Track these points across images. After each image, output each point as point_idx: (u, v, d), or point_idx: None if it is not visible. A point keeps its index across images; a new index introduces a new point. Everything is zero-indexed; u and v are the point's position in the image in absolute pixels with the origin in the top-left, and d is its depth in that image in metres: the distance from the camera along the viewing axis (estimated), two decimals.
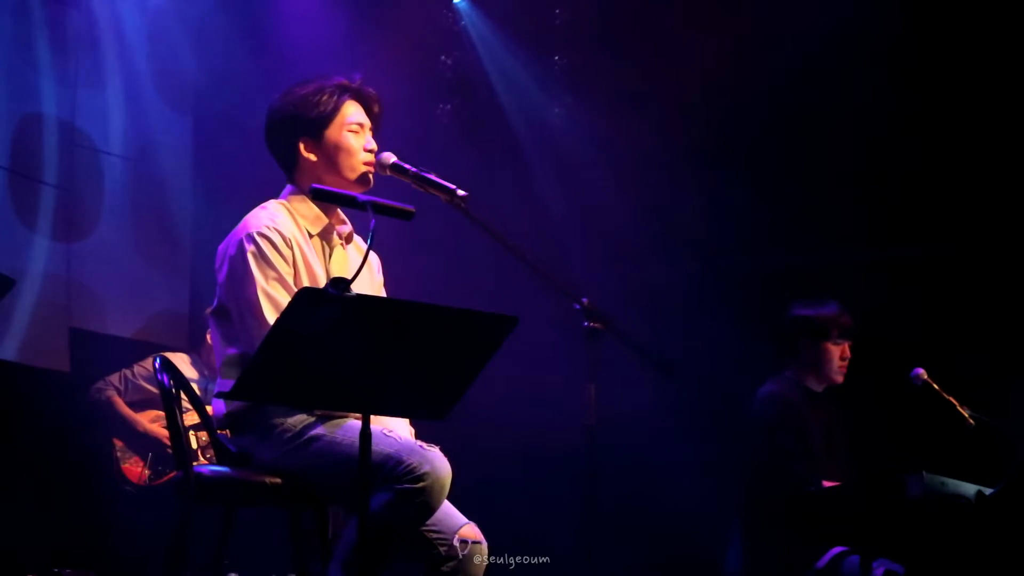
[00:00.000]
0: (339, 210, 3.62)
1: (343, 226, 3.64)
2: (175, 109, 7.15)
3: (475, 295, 5.92)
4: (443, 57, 7.11)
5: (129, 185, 6.88)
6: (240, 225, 3.49)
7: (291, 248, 3.45)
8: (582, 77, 7.00)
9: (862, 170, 6.44)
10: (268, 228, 3.43)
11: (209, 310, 3.55)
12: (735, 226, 6.74)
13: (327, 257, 3.56)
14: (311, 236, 3.54)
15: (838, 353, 5.12)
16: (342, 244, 3.62)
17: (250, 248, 3.40)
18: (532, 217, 6.71)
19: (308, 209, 3.56)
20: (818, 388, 5.17)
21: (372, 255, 3.74)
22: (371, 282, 3.67)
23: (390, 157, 3.57)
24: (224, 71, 6.98)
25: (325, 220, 3.58)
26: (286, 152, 3.62)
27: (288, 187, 3.63)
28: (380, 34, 6.92)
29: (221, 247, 3.51)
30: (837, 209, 6.47)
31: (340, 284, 2.72)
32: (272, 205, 3.56)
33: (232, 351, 3.43)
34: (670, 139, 6.69)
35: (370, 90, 3.67)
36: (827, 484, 4.73)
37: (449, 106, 7.07)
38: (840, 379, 5.16)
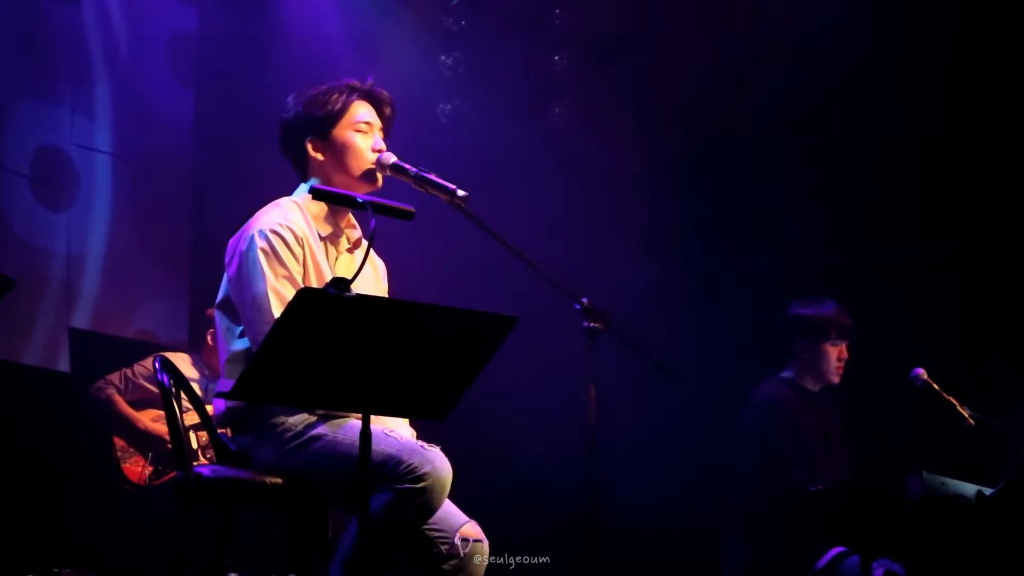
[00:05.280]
0: (350, 214, 3.62)
1: (352, 230, 3.64)
2: (175, 106, 7.13)
3: (475, 295, 5.91)
4: (443, 57, 7.10)
5: (128, 184, 6.86)
6: (252, 221, 3.49)
7: (302, 247, 3.45)
8: (582, 77, 6.99)
9: (861, 170, 6.44)
10: (280, 225, 3.43)
11: (213, 306, 3.54)
12: (735, 226, 6.74)
13: (334, 260, 3.56)
14: (321, 238, 3.54)
15: (835, 354, 5.12)
16: (349, 249, 3.61)
17: (261, 244, 3.40)
18: (532, 216, 6.70)
19: (320, 210, 3.56)
20: (814, 388, 5.17)
21: (380, 263, 3.77)
22: (376, 285, 3.67)
23: (390, 157, 3.57)
24: (225, 70, 6.98)
25: (335, 222, 3.58)
26: (296, 151, 3.62)
27: (301, 186, 3.63)
28: (381, 28, 6.91)
29: (232, 241, 3.51)
30: (837, 209, 6.46)
31: (340, 284, 2.72)
32: (285, 203, 3.56)
33: (237, 347, 3.43)
34: (669, 138, 6.70)
35: (382, 92, 3.67)
36: (827, 484, 4.73)
37: (449, 106, 7.06)
38: (837, 380, 5.16)
